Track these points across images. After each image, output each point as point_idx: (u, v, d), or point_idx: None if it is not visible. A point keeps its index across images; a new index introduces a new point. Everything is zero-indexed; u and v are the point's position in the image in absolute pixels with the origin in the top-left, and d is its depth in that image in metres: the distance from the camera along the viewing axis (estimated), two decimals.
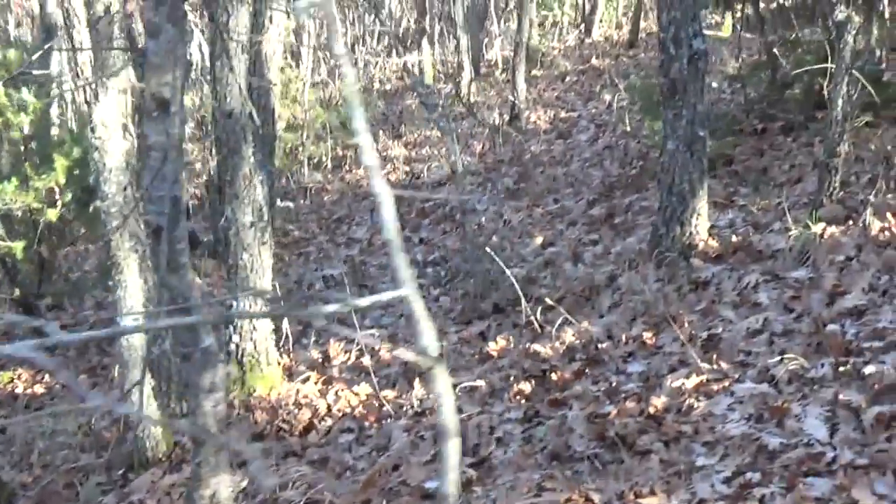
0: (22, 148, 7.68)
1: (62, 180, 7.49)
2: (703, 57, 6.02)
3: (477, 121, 14.01)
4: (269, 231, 6.06)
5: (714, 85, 9.53)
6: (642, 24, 17.24)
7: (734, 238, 6.29)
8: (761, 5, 9.04)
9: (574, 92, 14.58)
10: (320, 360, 6.50)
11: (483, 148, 12.66)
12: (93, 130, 4.68)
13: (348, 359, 6.48)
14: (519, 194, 9.52)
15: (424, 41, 19.03)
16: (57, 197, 7.60)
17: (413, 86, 6.59)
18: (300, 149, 13.56)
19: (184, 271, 2.96)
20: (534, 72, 16.96)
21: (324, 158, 14.73)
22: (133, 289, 5.06)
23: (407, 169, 12.76)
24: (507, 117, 13.23)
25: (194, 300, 3.05)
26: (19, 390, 8.15)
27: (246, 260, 5.69)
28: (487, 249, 6.81)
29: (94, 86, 4.58)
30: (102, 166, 4.77)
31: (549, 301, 6.17)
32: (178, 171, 2.83)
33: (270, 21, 5.86)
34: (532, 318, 6.01)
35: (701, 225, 6.24)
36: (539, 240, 7.85)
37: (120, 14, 4.53)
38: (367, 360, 6.33)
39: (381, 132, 14.51)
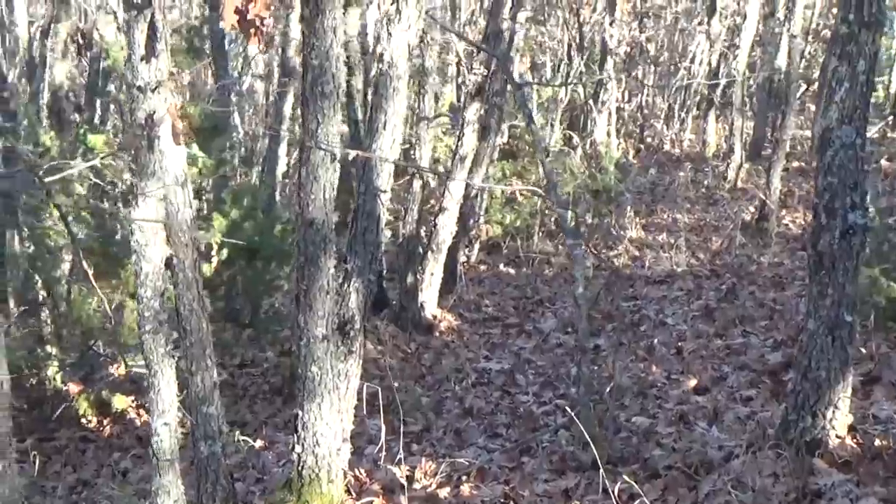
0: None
1: (217, 238, 7.56)
2: (859, 233, 5.12)
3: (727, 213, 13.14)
4: (358, 340, 5.77)
5: None
6: None
7: (879, 441, 5.33)
8: None
9: None
10: (402, 480, 6.12)
11: (721, 245, 11.79)
12: (131, 234, 4.58)
13: (430, 484, 6.07)
14: (714, 316, 8.69)
15: (711, 113, 18.15)
16: (213, 253, 7.68)
17: (550, 190, 6.08)
18: (537, 214, 13.21)
19: None
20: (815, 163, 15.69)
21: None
22: (166, 392, 4.92)
23: (637, 254, 12.10)
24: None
25: None
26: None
27: (315, 373, 5.43)
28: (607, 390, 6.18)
29: (134, 188, 4.48)
30: (139, 270, 4.66)
31: (644, 471, 5.50)
32: None
33: (384, 127, 5.56)
34: (609, 491, 5.36)
35: (838, 420, 5.32)
36: (693, 382, 7.08)
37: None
38: (444, 493, 5.92)
39: (629, 208, 13.86)
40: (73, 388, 8.58)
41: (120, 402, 8.48)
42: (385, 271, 10.25)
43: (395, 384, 8.40)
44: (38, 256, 8.85)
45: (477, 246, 13.29)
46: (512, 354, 8.94)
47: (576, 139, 17.66)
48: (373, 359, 9.15)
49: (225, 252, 7.74)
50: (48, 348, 8.82)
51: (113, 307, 8.29)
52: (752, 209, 13.02)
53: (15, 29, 12.61)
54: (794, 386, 5.47)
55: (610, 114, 19.00)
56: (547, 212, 14.51)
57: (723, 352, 7.72)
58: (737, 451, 5.70)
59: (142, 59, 4.24)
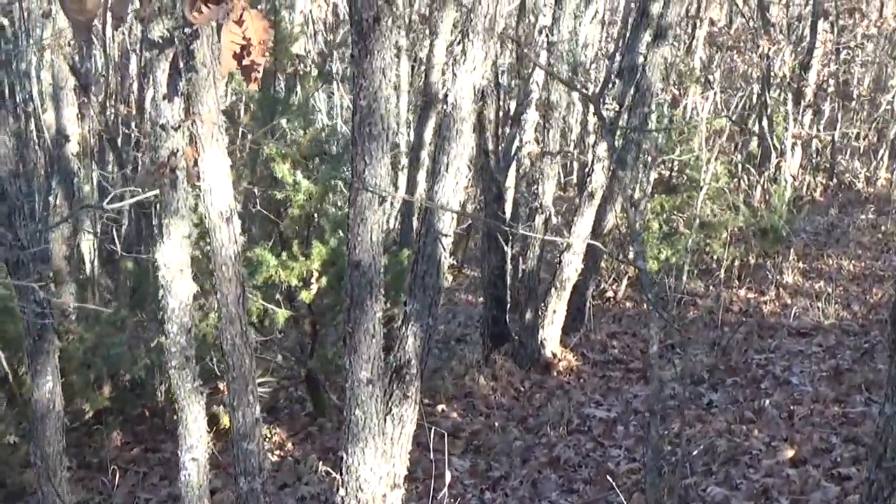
0: (298, 228, 7.93)
1: (316, 266, 7.59)
2: None
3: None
4: (414, 385, 5.64)
5: None
6: None
7: None
8: None
9: None
10: None
11: (879, 298, 11.01)
12: (157, 270, 4.61)
13: None
14: (843, 378, 8.08)
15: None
16: (313, 281, 7.72)
17: (633, 240, 5.80)
18: (684, 252, 12.65)
19: None
20: None
21: (732, 263, 13.67)
22: (194, 428, 4.93)
23: (788, 302, 11.44)
24: None
25: None
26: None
27: (358, 416, 5.32)
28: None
29: (160, 224, 4.51)
30: (166, 305, 4.68)
31: None
32: None
33: (446, 170, 5.41)
34: None
35: None
36: (791, 452, 6.58)
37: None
38: None
39: (791, 251, 13.15)
40: None
41: (228, 419, 8.61)
42: (509, 305, 10.06)
43: (496, 423, 8.24)
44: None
45: (625, 281, 12.91)
46: (623, 402, 8.58)
47: (754, 175, 16.96)
48: (483, 395, 9.01)
49: (325, 280, 7.75)
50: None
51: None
52: None
53: None
54: (868, 475, 4.98)
55: (790, 149, 18.17)
56: (707, 249, 13.98)
57: (837, 420, 7.16)
58: None
59: (164, 98, 4.26)
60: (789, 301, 11.42)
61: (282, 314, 7.97)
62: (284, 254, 7.78)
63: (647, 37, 9.09)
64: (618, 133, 9.32)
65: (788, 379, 8.37)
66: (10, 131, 4.96)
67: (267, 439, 8.62)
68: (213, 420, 8.60)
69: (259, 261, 7.74)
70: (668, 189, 14.17)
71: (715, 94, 16.38)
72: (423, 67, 11.07)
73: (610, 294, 12.88)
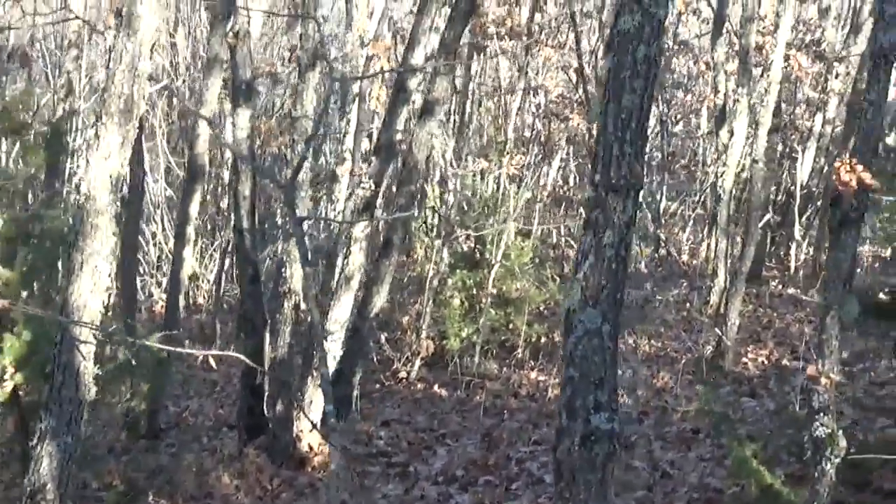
0: None
1: (9, 361, 6.81)
2: (602, 440, 4.14)
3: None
4: None
5: None
6: None
7: None
8: None
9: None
10: None
11: (665, 383, 10.69)
12: None
13: None
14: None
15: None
16: (7, 377, 6.92)
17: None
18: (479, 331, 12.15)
19: None
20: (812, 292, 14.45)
21: (537, 342, 13.21)
22: None
23: None
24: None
25: None
26: None
27: None
28: None
29: None
30: None
31: None
32: None
33: (81, 269, 4.75)
34: None
35: None
36: None
37: None
38: None
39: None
40: None
41: None
42: (267, 395, 9.38)
43: None
44: None
45: (418, 362, 12.30)
46: None
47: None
48: (224, 495, 8.31)
49: (21, 376, 6.94)
50: None
51: None
52: (712, 345, 11.83)
53: None
54: None
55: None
56: (511, 326, 13.49)
57: None
58: None
59: None
60: None
61: None
62: None
63: (405, 113, 8.62)
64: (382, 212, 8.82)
65: (542, 477, 7.88)
66: None
67: None
68: None
69: None
70: (471, 264, 13.68)
71: (531, 165, 16.02)
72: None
73: (403, 374, 12.26)
